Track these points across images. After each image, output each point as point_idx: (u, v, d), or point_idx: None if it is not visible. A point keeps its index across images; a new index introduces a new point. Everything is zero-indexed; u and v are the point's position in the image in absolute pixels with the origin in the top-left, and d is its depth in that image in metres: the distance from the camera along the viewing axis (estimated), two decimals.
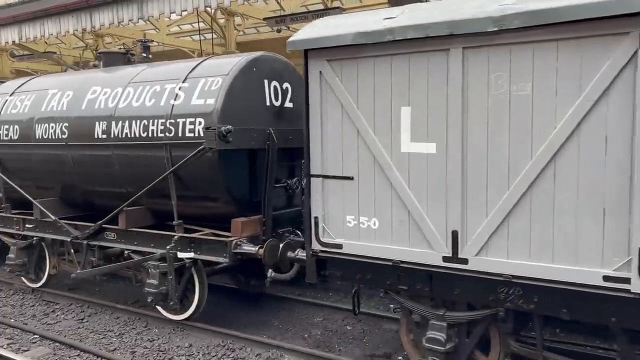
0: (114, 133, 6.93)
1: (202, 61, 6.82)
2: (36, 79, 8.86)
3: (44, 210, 7.85)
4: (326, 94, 5.09)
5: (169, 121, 6.42)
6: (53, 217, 7.75)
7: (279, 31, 14.01)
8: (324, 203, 5.20)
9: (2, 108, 8.52)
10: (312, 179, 5.24)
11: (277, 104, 6.89)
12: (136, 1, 11.29)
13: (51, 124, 7.66)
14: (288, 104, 7.08)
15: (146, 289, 6.70)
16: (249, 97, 6.48)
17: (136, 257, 6.93)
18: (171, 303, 6.56)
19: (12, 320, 7.63)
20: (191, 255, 6.32)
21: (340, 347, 6.44)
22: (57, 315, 7.78)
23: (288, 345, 6.21)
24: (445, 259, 4.58)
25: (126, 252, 7.02)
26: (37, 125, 7.86)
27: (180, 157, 6.35)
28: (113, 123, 6.94)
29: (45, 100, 7.93)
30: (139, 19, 11.49)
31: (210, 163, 6.17)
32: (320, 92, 5.11)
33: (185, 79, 6.58)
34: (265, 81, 6.69)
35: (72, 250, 7.69)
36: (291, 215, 7.19)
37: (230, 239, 6.21)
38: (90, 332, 7.02)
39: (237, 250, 6.18)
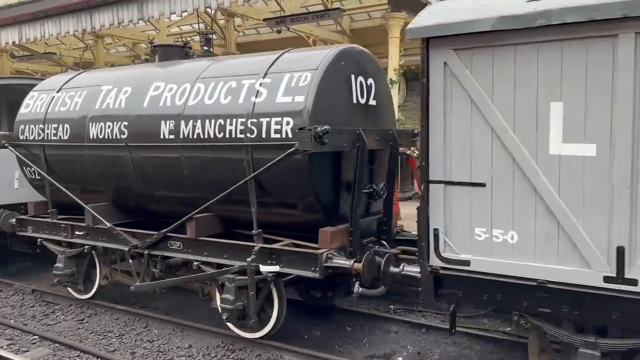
0: (183, 133, 6.30)
1: (280, 55, 6.19)
2: (84, 74, 8.25)
3: (98, 216, 7.24)
4: (451, 88, 4.47)
5: (250, 120, 5.79)
6: (108, 224, 7.13)
7: (279, 32, 13.68)
8: (446, 213, 4.57)
9: (49, 106, 7.91)
10: (432, 186, 4.61)
11: (363, 101, 6.27)
12: (136, 2, 11.13)
13: (107, 123, 7.04)
14: (372, 102, 6.46)
15: (221, 304, 6.09)
16: (338, 94, 5.87)
17: (208, 270, 6.31)
18: (252, 321, 5.93)
19: (12, 320, 7.56)
20: (276, 268, 5.69)
21: (340, 347, 6.34)
22: (57, 316, 7.74)
23: (287, 346, 6.10)
24: (607, 279, 3.94)
25: (195, 263, 6.39)
26: (90, 124, 7.24)
27: (261, 160, 5.73)
28: (182, 122, 6.32)
29: (99, 97, 7.31)
30: (139, 19, 11.36)
31: (297, 166, 5.54)
32: (444, 85, 4.49)
33: (266, 74, 5.95)
34: (352, 76, 6.07)
35: (131, 260, 7.05)
36: (371, 224, 6.57)
37: (321, 251, 5.58)
38: (90, 333, 6.99)
39: (329, 264, 5.55)
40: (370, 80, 6.39)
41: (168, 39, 17.70)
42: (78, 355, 6.28)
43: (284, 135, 5.57)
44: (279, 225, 6.24)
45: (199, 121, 6.20)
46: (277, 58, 6.12)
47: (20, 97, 10.82)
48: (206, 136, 6.13)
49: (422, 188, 4.65)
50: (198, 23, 13.47)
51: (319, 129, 5.17)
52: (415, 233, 7.00)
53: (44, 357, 6.25)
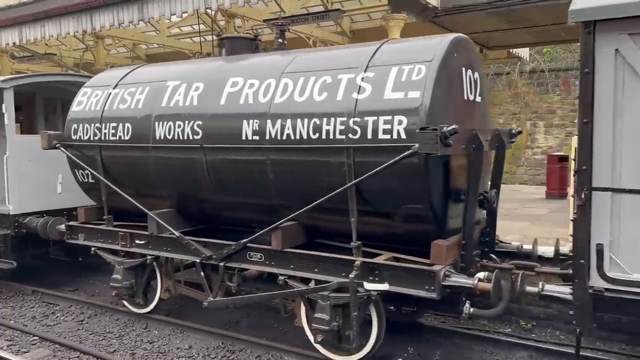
0: (269, 134, 5.66)
1: (380, 45, 5.54)
2: (141, 69, 7.60)
3: (164, 224, 6.60)
4: (624, 79, 3.84)
5: (352, 120, 5.14)
6: (177, 233, 6.50)
7: None
8: (613, 226, 3.93)
9: (105, 103, 7.28)
10: (596, 194, 3.96)
11: (472, 97, 5.63)
12: (136, 3, 11.13)
13: (177, 122, 6.40)
14: (478, 98, 5.81)
15: (314, 325, 5.43)
16: (451, 90, 5.23)
17: (296, 285, 5.67)
18: (354, 344, 5.29)
19: (12, 321, 7.58)
20: (385, 287, 5.03)
21: None
22: (57, 316, 7.76)
23: (288, 347, 6.11)
24: None
25: (281, 278, 5.75)
26: (156, 123, 6.61)
27: (364, 163, 5.09)
28: (268, 122, 5.67)
29: (165, 94, 6.67)
30: (139, 20, 11.40)
31: (411, 171, 4.88)
32: (615, 76, 3.85)
33: (367, 67, 5.31)
34: (463, 69, 5.43)
35: (202, 273, 6.40)
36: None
37: (438, 267, 4.92)
38: (90, 334, 7.01)
39: (447, 283, 4.90)
40: (476, 74, 5.76)
41: (168, 39, 17.80)
42: (78, 357, 6.24)
43: (394, 136, 4.92)
44: (375, 236, 5.59)
45: (288, 120, 5.55)
46: (377, 49, 5.48)
47: (57, 95, 10.31)
48: (297, 137, 5.49)
49: (583, 196, 3.98)
50: (198, 24, 13.37)
51: (445, 128, 4.52)
52: (517, 244, 6.44)
53: (44, 358, 6.23)
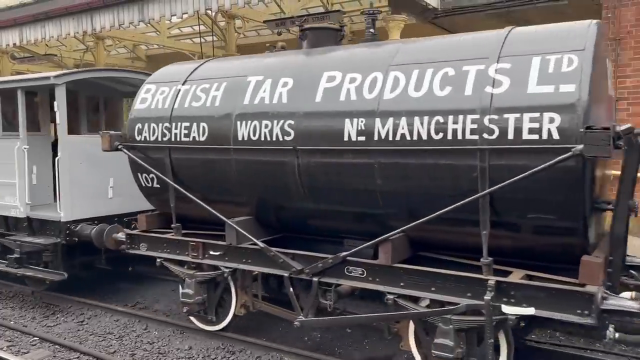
0: (378, 134, 4.99)
1: (508, 33, 4.85)
2: (212, 64, 6.94)
3: (246, 233, 5.96)
4: None
5: (487, 117, 4.46)
6: (261, 244, 5.85)
7: (279, 34, 13.67)
8: None
9: (174, 101, 6.64)
10: None
11: (612, 92, 4.96)
12: (136, 4, 11.10)
13: (264, 122, 5.74)
14: (612, 93, 5.13)
15: (435, 352, 4.77)
16: (601, 84, 4.55)
17: (407, 305, 5.00)
18: None
19: (12, 322, 7.55)
20: (531, 311, 4.34)
21: (340, 350, 6.25)
22: (57, 317, 7.73)
23: (288, 348, 6.12)
24: None
25: (390, 297, 5.08)
26: (238, 122, 5.95)
27: (501, 167, 4.43)
28: (377, 120, 5.00)
29: (247, 90, 6.01)
30: (139, 21, 11.41)
31: (564, 176, 4.20)
32: None
33: (499, 57, 4.63)
34: (607, 60, 4.75)
35: (292, 289, 5.75)
36: None
37: (592, 288, 4.23)
38: (90, 335, 7.01)
39: (606, 307, 4.22)
40: (611, 66, 5.07)
41: (169, 40, 17.74)
42: (78, 357, 6.24)
43: (544, 136, 4.24)
44: (500, 250, 4.88)
45: (402, 119, 4.89)
46: (506, 37, 4.79)
47: (100, 93, 9.71)
48: (415, 138, 4.82)
49: None
50: (199, 25, 13.34)
51: (618, 128, 3.85)
52: None
53: (44, 358, 6.21)
